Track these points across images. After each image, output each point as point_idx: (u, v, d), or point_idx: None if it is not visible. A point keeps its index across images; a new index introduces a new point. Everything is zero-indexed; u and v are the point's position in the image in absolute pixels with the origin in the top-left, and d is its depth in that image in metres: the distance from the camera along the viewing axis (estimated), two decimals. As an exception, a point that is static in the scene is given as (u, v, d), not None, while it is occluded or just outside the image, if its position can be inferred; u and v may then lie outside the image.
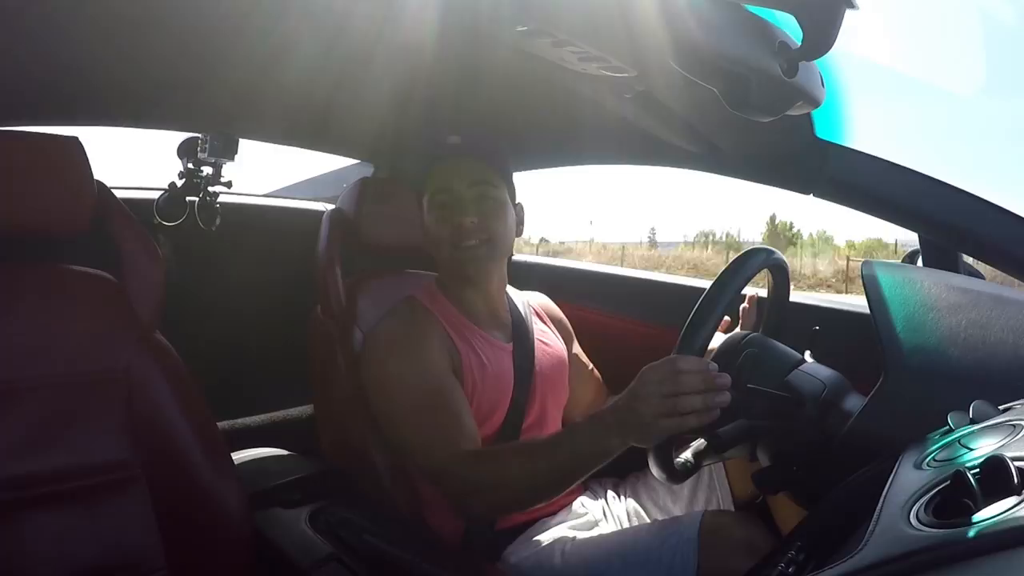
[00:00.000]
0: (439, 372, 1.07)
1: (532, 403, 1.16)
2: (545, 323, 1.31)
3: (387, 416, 1.10)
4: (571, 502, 1.20)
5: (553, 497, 1.00)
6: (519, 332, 1.21)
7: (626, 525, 1.19)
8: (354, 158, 1.82)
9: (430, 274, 1.39)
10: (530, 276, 1.64)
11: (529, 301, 1.31)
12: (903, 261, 1.21)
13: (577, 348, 1.35)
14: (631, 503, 1.23)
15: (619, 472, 1.32)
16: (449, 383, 1.07)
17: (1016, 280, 0.99)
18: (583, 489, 1.26)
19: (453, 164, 1.14)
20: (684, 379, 0.78)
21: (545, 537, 1.11)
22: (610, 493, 1.28)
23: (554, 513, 1.16)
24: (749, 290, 1.16)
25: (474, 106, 1.26)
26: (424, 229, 1.18)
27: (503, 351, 1.17)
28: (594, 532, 1.15)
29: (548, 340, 1.26)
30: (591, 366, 1.34)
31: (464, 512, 1.06)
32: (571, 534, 1.11)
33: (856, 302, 1.16)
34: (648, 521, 1.19)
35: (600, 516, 1.21)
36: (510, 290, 1.28)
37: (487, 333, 1.17)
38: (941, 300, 0.78)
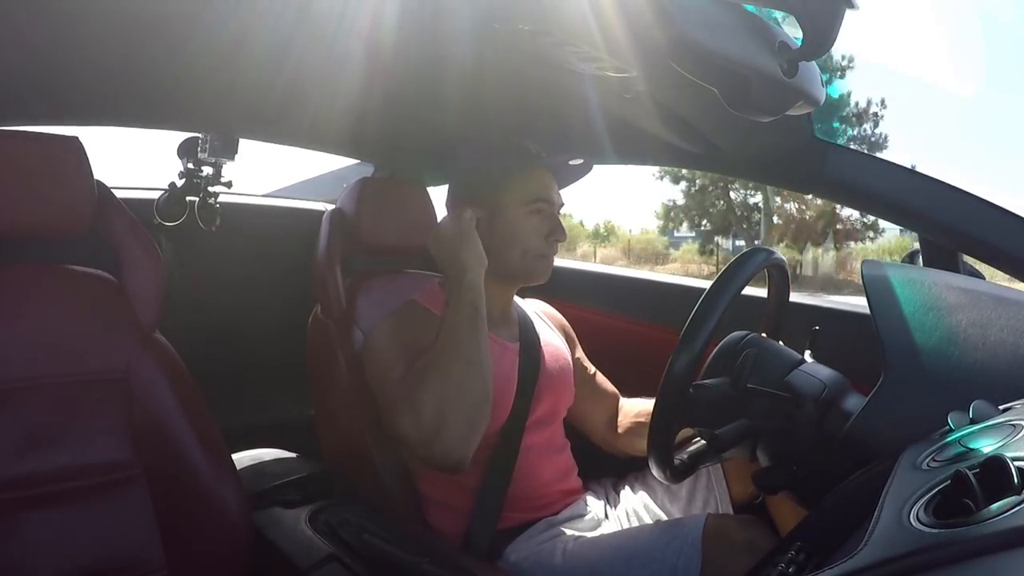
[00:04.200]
0: None
1: (537, 402, 1.16)
2: (550, 327, 1.31)
3: (384, 412, 1.10)
4: (573, 502, 1.20)
5: (484, 368, 1.01)
6: (526, 333, 1.21)
7: (626, 524, 1.19)
8: (354, 158, 1.82)
9: (430, 274, 1.39)
10: None
11: (533, 308, 1.32)
12: (903, 261, 1.21)
13: (580, 353, 1.35)
14: (630, 503, 1.23)
15: (618, 472, 1.32)
16: None
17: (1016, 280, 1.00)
18: (584, 489, 1.26)
19: (552, 178, 1.17)
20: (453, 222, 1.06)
21: (546, 536, 1.11)
22: (610, 493, 1.28)
23: (556, 513, 1.16)
24: (749, 290, 1.16)
25: (474, 106, 1.26)
26: (502, 229, 1.14)
27: (508, 349, 1.17)
28: (596, 532, 1.15)
29: (554, 342, 1.27)
30: (593, 369, 1.34)
31: (443, 459, 0.99)
32: (573, 533, 1.11)
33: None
34: (648, 520, 1.19)
35: (602, 516, 1.21)
36: (515, 298, 1.28)
37: (492, 332, 1.17)
38: (941, 300, 0.78)
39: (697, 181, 17.65)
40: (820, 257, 17.19)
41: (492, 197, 1.13)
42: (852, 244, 17.15)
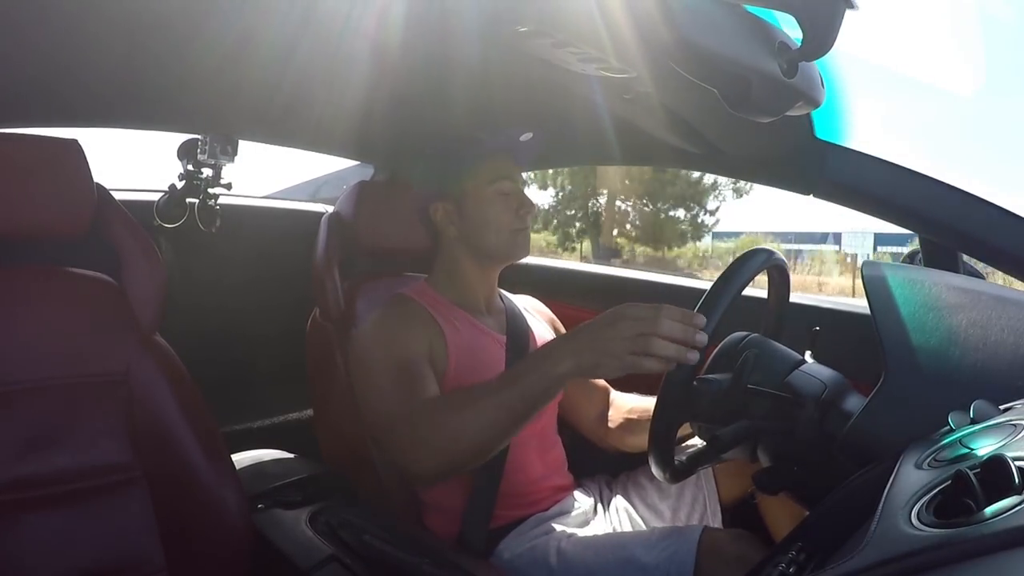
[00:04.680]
0: (410, 350, 1.07)
1: None
2: (538, 321, 1.32)
3: (361, 396, 1.10)
4: (563, 498, 1.21)
5: (503, 440, 0.94)
6: (514, 325, 1.22)
7: (616, 521, 1.20)
8: (354, 160, 1.82)
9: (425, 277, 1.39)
10: (525, 276, 1.64)
11: (521, 303, 1.33)
12: (903, 261, 1.21)
13: None
14: (621, 500, 1.24)
15: (611, 470, 1.33)
16: (418, 362, 1.07)
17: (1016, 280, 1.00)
18: (576, 485, 1.27)
19: (506, 160, 1.19)
20: (667, 325, 0.77)
21: (538, 532, 1.12)
22: (603, 490, 1.28)
23: (546, 509, 1.17)
24: (749, 291, 1.16)
25: (474, 107, 1.26)
26: (472, 215, 1.17)
27: (495, 340, 1.18)
28: (587, 528, 1.16)
29: (544, 335, 1.28)
30: None
31: (413, 473, 0.99)
32: (565, 531, 1.12)
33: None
34: (638, 518, 1.20)
35: (591, 512, 1.21)
36: (503, 292, 1.29)
37: (479, 322, 1.19)
38: (942, 300, 0.78)
39: (567, 187, 18.55)
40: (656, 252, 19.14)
41: (456, 188, 1.17)
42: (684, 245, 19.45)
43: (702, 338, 0.78)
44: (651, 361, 0.77)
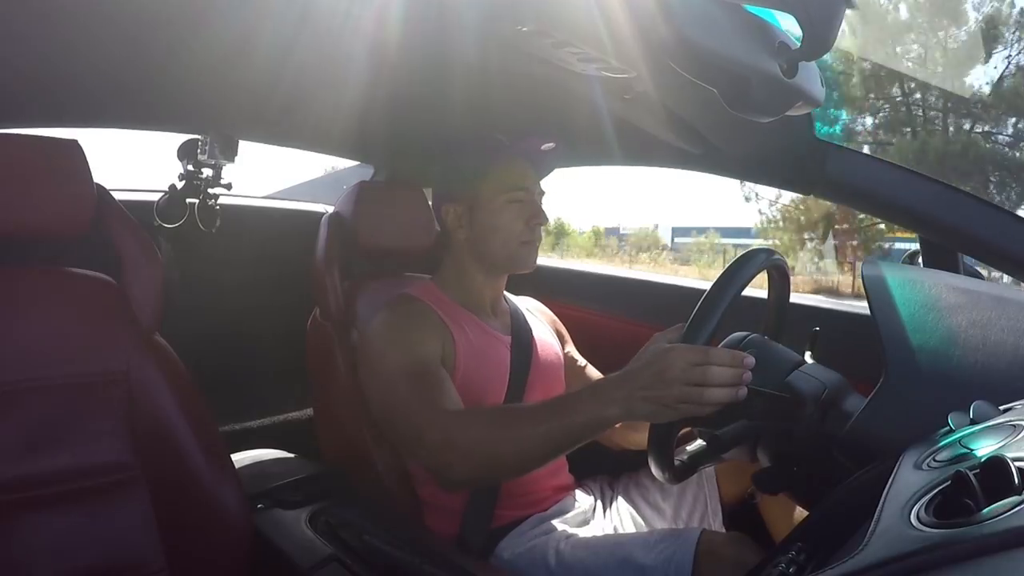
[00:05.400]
0: (426, 352, 1.07)
1: (528, 395, 1.17)
2: (540, 322, 1.32)
3: (376, 398, 1.10)
4: (563, 498, 1.21)
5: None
6: (517, 326, 1.23)
7: (618, 522, 1.20)
8: (354, 160, 1.82)
9: (429, 277, 1.39)
10: (525, 277, 1.64)
11: (524, 304, 1.33)
12: (903, 261, 1.21)
13: (570, 347, 1.36)
14: (623, 502, 1.24)
15: (613, 471, 1.33)
16: (435, 364, 1.07)
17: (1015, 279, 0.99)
18: (576, 485, 1.26)
19: (527, 166, 1.19)
20: (716, 372, 0.78)
21: (538, 532, 1.12)
22: (605, 490, 1.28)
23: (546, 509, 1.17)
24: (749, 291, 1.16)
25: (474, 107, 1.26)
26: (482, 222, 1.17)
27: (500, 341, 1.18)
28: (587, 529, 1.16)
29: (545, 337, 1.28)
30: (584, 362, 1.35)
31: (444, 479, 1.00)
32: (565, 531, 1.12)
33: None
34: (639, 518, 1.20)
35: (591, 512, 1.22)
36: (506, 294, 1.30)
37: (484, 323, 1.19)
38: (942, 300, 0.78)
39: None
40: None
41: (469, 192, 1.17)
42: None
43: (748, 376, 0.79)
44: (704, 408, 0.79)
